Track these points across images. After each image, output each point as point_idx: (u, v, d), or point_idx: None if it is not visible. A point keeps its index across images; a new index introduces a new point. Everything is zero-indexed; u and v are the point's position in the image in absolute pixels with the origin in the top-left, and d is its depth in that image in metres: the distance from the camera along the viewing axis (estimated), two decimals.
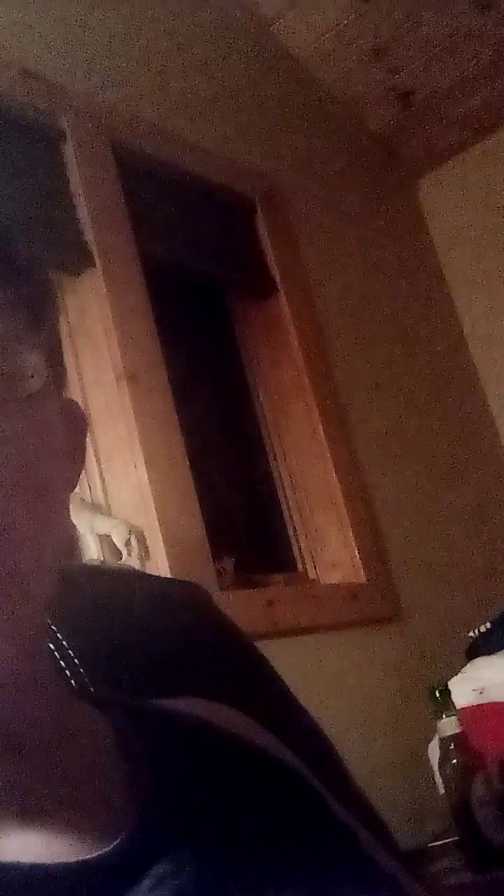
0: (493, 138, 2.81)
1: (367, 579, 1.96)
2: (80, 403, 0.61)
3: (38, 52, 1.76)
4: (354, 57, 2.50)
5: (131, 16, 2.02)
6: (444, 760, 1.50)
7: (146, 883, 0.42)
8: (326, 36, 2.44)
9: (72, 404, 0.52)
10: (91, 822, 0.44)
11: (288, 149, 2.36)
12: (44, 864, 0.41)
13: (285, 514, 2.05)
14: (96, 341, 1.68)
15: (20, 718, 0.45)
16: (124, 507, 1.62)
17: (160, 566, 1.56)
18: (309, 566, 2.00)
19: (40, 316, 0.47)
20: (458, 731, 1.50)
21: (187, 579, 0.97)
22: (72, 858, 0.41)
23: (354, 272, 2.42)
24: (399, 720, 1.85)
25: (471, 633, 1.90)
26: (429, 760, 1.63)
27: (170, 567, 1.55)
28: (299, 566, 2.00)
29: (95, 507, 1.61)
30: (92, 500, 1.63)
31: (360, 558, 1.95)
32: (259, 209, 2.14)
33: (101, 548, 1.57)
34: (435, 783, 1.57)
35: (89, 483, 1.64)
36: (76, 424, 0.52)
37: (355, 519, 1.99)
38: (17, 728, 0.45)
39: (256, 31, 2.38)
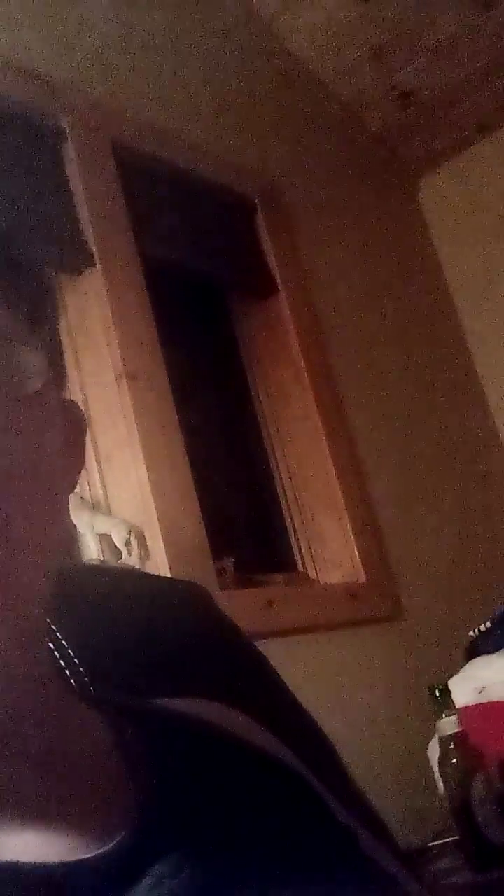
0: (493, 138, 2.81)
1: (367, 579, 1.96)
2: (80, 403, 0.61)
3: (38, 52, 1.76)
4: (354, 57, 2.50)
5: (131, 16, 2.02)
6: (443, 760, 1.50)
7: (146, 883, 0.42)
8: (326, 35, 2.44)
9: (71, 404, 0.52)
10: (90, 822, 0.44)
11: (288, 149, 2.36)
12: (43, 864, 0.41)
13: (285, 514, 2.05)
14: (96, 341, 1.68)
15: (19, 717, 0.45)
16: (124, 506, 1.62)
17: (160, 566, 1.56)
18: (309, 566, 2.00)
19: (40, 316, 0.47)
20: (457, 730, 1.50)
21: (187, 579, 0.98)
22: (71, 858, 0.41)
23: (354, 272, 2.42)
24: (399, 719, 1.85)
25: (471, 633, 1.90)
26: (429, 760, 1.63)
27: (170, 567, 1.55)
28: (299, 566, 2.00)
29: (95, 507, 1.61)
30: (92, 499, 1.63)
31: (360, 558, 1.95)
32: (259, 209, 2.14)
33: (101, 548, 1.57)
34: (435, 783, 1.57)
35: (89, 483, 1.64)
36: (76, 424, 0.52)
37: (355, 519, 1.99)
38: (15, 727, 0.44)
39: (257, 30, 2.38)
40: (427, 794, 1.62)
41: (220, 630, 0.74)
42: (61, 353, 0.51)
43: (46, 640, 0.52)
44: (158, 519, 1.58)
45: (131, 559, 1.55)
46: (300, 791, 0.54)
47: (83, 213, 1.70)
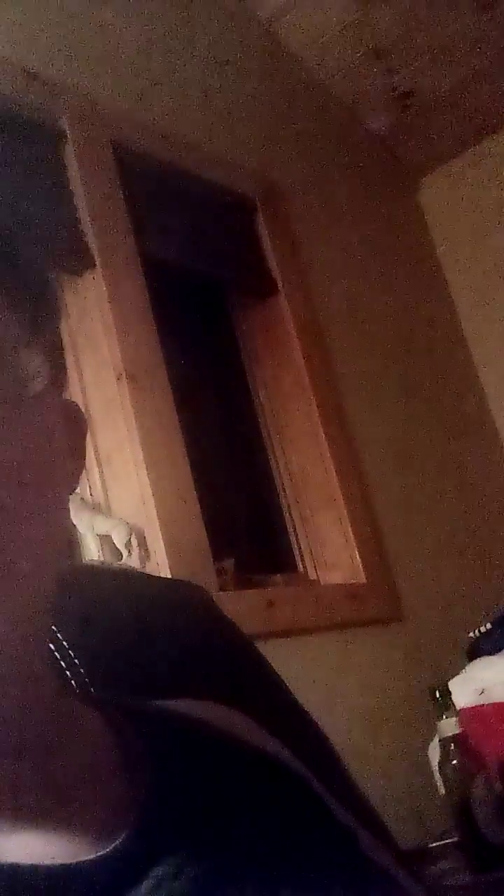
0: (493, 138, 2.81)
1: (367, 579, 1.96)
2: (80, 403, 0.61)
3: (38, 52, 1.76)
4: (354, 57, 2.50)
5: (131, 15, 2.02)
6: (444, 761, 1.50)
7: (146, 885, 0.42)
8: (327, 36, 2.44)
9: (72, 405, 0.52)
10: (90, 823, 0.44)
11: (288, 149, 2.36)
12: (42, 866, 0.40)
13: (285, 514, 2.05)
14: (96, 341, 1.68)
15: (19, 717, 0.45)
16: (124, 507, 1.62)
17: (160, 566, 1.56)
18: (309, 566, 2.00)
19: (42, 317, 0.47)
20: (458, 731, 1.50)
21: (187, 580, 0.97)
22: (70, 860, 0.41)
23: (354, 272, 2.42)
24: (399, 720, 1.85)
25: (471, 634, 1.90)
26: (429, 761, 1.63)
27: (170, 567, 1.55)
28: (299, 566, 2.00)
29: (95, 508, 1.61)
30: (92, 500, 1.62)
31: (360, 558, 1.95)
32: (259, 209, 2.14)
33: (102, 548, 1.57)
34: (435, 784, 1.57)
35: (89, 483, 1.64)
36: (76, 426, 0.52)
37: (355, 519, 1.99)
38: (15, 726, 0.44)
39: (257, 30, 2.38)
40: (427, 795, 1.62)
41: (220, 631, 0.74)
42: (62, 355, 0.51)
43: (47, 640, 0.52)
44: (159, 519, 1.58)
45: (131, 560, 1.55)
46: (300, 792, 0.54)
47: (83, 214, 1.70)
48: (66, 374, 0.52)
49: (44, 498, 0.44)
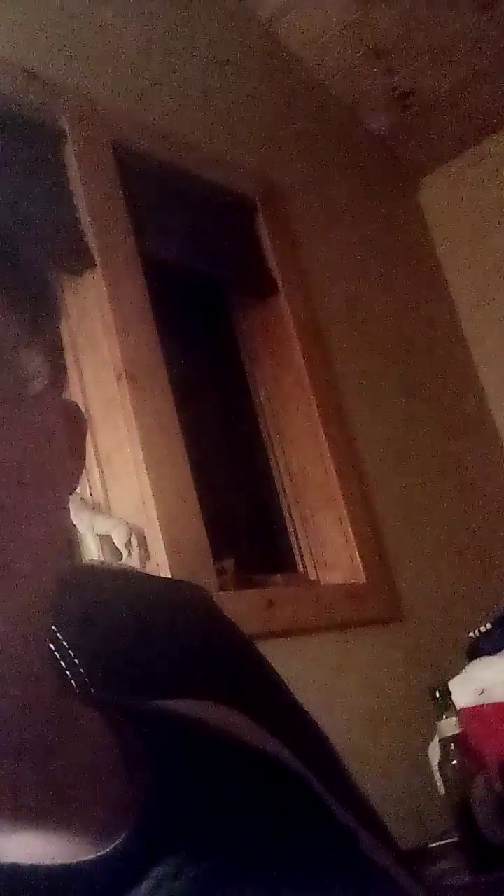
0: (493, 138, 2.81)
1: (367, 579, 1.96)
2: (80, 403, 0.61)
3: (38, 52, 1.76)
4: (354, 57, 2.50)
5: (131, 15, 2.02)
6: (444, 761, 1.50)
7: (146, 885, 0.42)
8: (327, 36, 2.44)
9: (72, 405, 0.52)
10: (90, 823, 0.44)
11: (288, 149, 2.36)
12: (42, 866, 0.40)
13: (285, 514, 2.05)
14: (96, 341, 1.68)
15: (19, 717, 0.45)
16: (124, 507, 1.62)
17: (160, 566, 1.56)
18: (309, 566, 2.00)
19: (42, 318, 0.47)
20: (458, 731, 1.50)
21: (187, 580, 0.97)
22: (70, 860, 0.41)
23: (354, 272, 2.42)
24: (399, 720, 1.85)
25: (471, 634, 1.90)
26: (429, 760, 1.63)
27: (170, 567, 1.55)
28: (299, 566, 2.00)
29: (95, 508, 1.61)
30: (92, 500, 1.62)
31: (360, 558, 1.95)
32: (259, 209, 2.14)
33: (102, 548, 1.57)
34: (435, 784, 1.57)
35: (89, 483, 1.64)
36: (76, 426, 0.52)
37: (355, 519, 1.99)
38: (15, 726, 0.44)
39: (257, 30, 2.39)
40: (427, 795, 1.62)
41: (220, 631, 0.74)
42: (62, 355, 0.51)
43: (47, 640, 0.52)
44: (158, 519, 1.58)
45: (131, 560, 1.55)
46: (300, 792, 0.54)
47: (83, 214, 1.70)
48: (66, 374, 0.52)
49: (44, 498, 0.44)
